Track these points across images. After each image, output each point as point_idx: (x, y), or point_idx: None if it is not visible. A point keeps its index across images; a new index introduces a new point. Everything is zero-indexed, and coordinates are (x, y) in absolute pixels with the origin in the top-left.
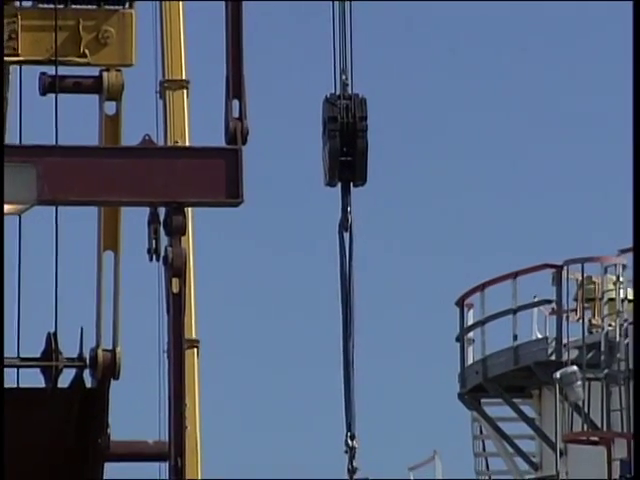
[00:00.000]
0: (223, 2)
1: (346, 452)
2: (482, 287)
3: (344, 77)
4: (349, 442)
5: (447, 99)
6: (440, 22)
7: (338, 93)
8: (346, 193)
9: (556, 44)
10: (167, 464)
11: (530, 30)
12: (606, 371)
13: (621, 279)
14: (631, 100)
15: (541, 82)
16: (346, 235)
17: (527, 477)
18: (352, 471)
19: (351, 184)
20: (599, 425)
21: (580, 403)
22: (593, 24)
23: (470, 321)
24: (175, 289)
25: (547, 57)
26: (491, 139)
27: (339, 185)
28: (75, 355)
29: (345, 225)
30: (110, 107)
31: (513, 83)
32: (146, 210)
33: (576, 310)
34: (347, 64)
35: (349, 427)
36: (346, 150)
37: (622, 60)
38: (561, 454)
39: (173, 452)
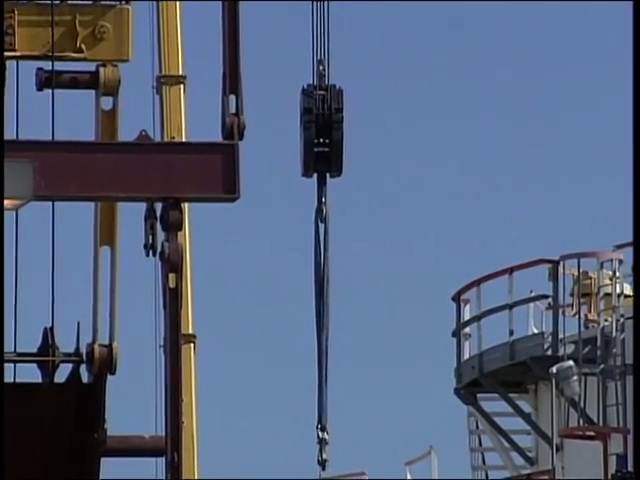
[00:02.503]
0: None
1: (317, 443)
2: (478, 282)
3: (321, 68)
4: (319, 434)
5: (432, 89)
6: (421, 13)
7: (315, 84)
8: (322, 184)
9: (551, 44)
10: (163, 459)
11: (523, 27)
12: (602, 366)
13: (617, 274)
14: (629, 97)
15: (531, 76)
16: (322, 226)
17: (523, 472)
18: (322, 463)
19: (327, 175)
20: (595, 420)
21: (576, 398)
22: (593, 24)
23: (466, 316)
24: (172, 284)
25: (532, 53)
26: (487, 132)
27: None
28: (72, 350)
29: (321, 216)
30: (106, 102)
31: (501, 77)
32: (143, 205)
33: (572, 305)
34: (324, 54)
35: (320, 419)
36: (322, 141)
37: (622, 60)
38: (557, 449)
39: (169, 447)
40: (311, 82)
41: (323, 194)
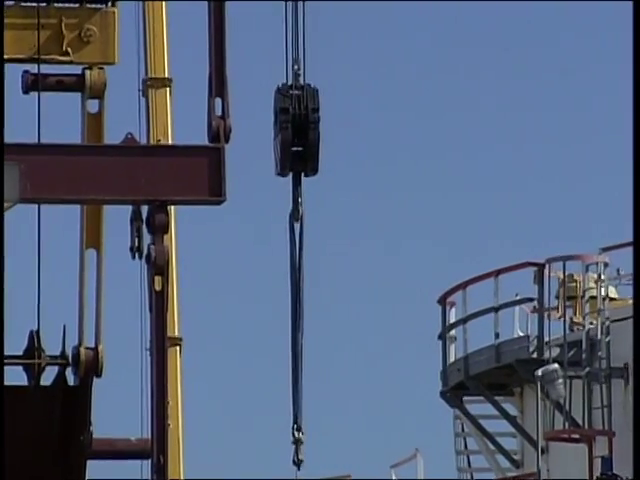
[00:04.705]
0: (206, 1)
1: (293, 443)
2: (464, 285)
3: (296, 67)
4: (295, 434)
5: (413, 87)
6: (396, 12)
7: (290, 83)
8: (297, 183)
9: (547, 44)
10: (149, 462)
11: (516, 26)
12: (587, 369)
13: (602, 277)
14: (624, 99)
15: (519, 77)
16: (297, 226)
17: (509, 475)
18: (298, 463)
19: (302, 174)
20: (580, 423)
21: (561, 401)
22: (593, 24)
23: (452, 319)
24: (158, 287)
25: (523, 53)
26: (473, 134)
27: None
28: (58, 353)
29: (296, 216)
30: (93, 105)
31: (487, 76)
32: (129, 208)
33: (558, 308)
34: (299, 54)
35: (295, 419)
36: (298, 141)
37: (621, 60)
38: (542, 452)
39: (155, 450)
40: (285, 82)
41: (299, 194)
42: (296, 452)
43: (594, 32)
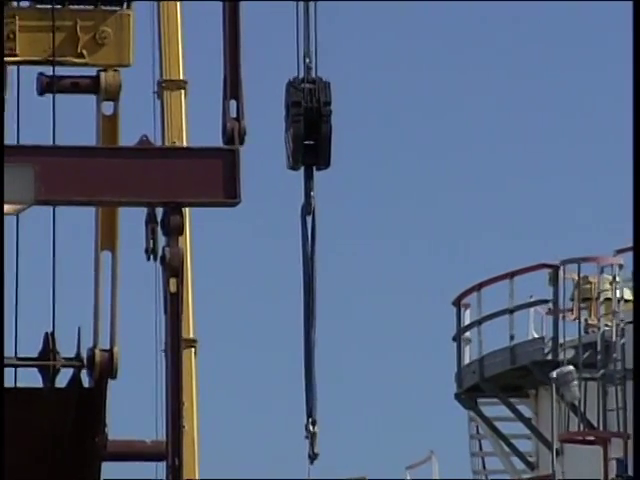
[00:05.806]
0: (221, 2)
1: (306, 437)
2: (479, 287)
3: (308, 60)
4: (310, 428)
5: (430, 84)
6: (411, 7)
7: (302, 77)
8: (309, 177)
9: (549, 43)
10: (164, 463)
11: (520, 25)
12: (602, 371)
13: (617, 279)
14: (629, 99)
15: (529, 75)
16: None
17: (524, 477)
18: (313, 457)
19: (314, 168)
20: (595, 425)
21: (576, 403)
22: (593, 24)
23: (467, 321)
24: (172, 289)
25: (529, 52)
26: (487, 133)
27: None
28: (73, 355)
29: (308, 209)
30: (108, 107)
31: (499, 74)
32: (143, 210)
33: (572, 310)
34: (311, 47)
35: (310, 413)
36: (310, 134)
37: (621, 61)
38: (557, 454)
39: (170, 451)
40: (297, 75)
41: (311, 187)
42: (311, 445)
43: (594, 32)
